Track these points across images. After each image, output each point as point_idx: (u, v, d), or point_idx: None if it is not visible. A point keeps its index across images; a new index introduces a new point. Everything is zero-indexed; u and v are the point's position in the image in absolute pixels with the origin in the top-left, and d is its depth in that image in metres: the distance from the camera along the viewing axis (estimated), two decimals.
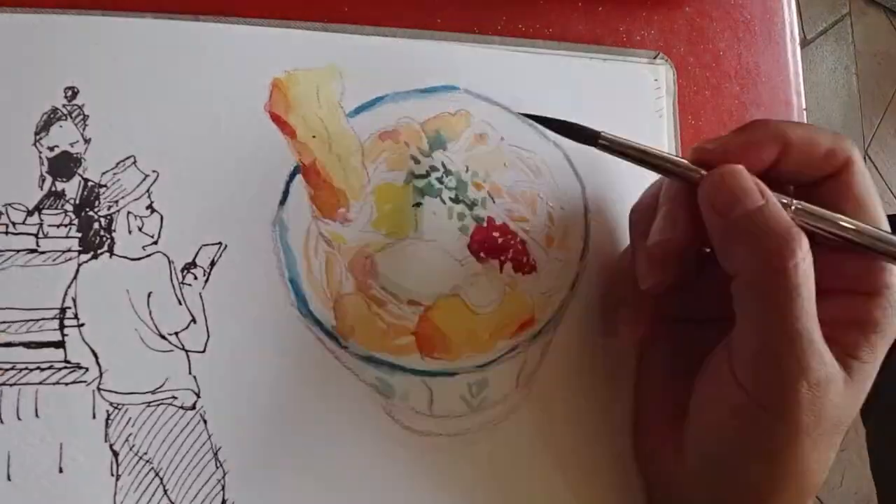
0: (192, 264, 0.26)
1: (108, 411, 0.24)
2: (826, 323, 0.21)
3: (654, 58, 0.33)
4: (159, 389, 0.25)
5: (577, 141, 0.25)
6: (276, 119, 0.27)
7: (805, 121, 0.37)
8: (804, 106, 0.36)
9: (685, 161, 0.24)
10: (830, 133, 0.24)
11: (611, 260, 0.29)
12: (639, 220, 0.26)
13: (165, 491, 0.24)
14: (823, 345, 0.21)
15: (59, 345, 0.24)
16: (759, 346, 0.21)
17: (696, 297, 0.26)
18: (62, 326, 0.24)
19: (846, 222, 0.23)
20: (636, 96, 0.32)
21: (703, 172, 0.23)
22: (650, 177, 0.26)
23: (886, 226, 0.23)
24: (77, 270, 0.25)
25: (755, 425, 0.22)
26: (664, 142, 0.32)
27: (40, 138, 0.25)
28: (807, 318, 0.21)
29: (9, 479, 0.23)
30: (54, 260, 0.25)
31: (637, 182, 0.28)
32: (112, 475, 0.24)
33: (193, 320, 0.25)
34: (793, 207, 0.23)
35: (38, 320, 0.24)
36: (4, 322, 0.24)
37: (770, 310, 0.21)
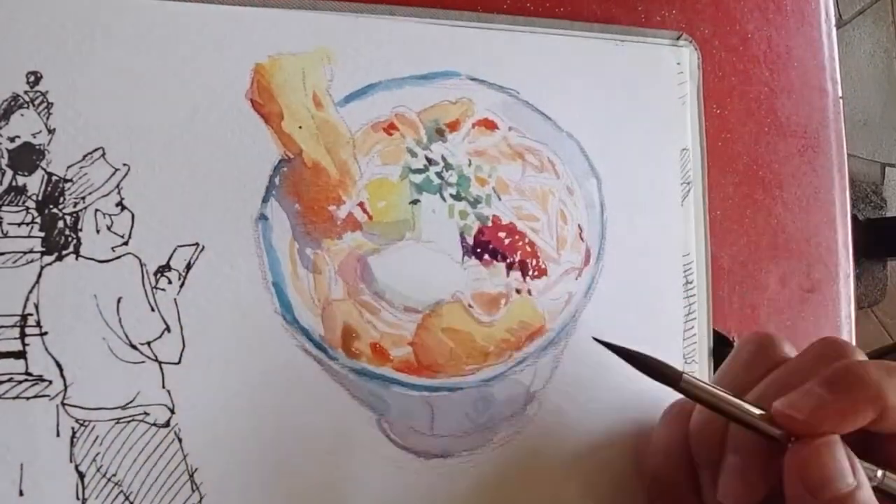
0: (167, 267, 0.25)
1: (73, 428, 0.24)
2: None
3: (677, 39, 0.32)
4: (130, 405, 0.24)
5: (655, 379, 0.23)
6: (259, 108, 0.26)
7: (840, 110, 0.35)
8: (840, 94, 0.35)
9: (767, 424, 0.23)
10: None
11: (626, 278, 0.28)
12: (702, 451, 0.25)
13: None
14: None
15: (20, 355, 0.24)
16: None
17: None
18: (23, 335, 0.24)
19: None
20: (656, 81, 0.31)
21: (783, 435, 0.23)
22: (676, 178, 0.25)
23: None
24: (39, 273, 0.24)
25: None
26: (687, 132, 0.31)
27: (0, 128, 0.25)
28: None
29: None
30: (14, 262, 0.24)
31: (659, 177, 0.27)
32: (78, 499, 0.23)
33: (167, 329, 0.25)
34: (878, 474, 0.22)
35: None
36: None
37: None
